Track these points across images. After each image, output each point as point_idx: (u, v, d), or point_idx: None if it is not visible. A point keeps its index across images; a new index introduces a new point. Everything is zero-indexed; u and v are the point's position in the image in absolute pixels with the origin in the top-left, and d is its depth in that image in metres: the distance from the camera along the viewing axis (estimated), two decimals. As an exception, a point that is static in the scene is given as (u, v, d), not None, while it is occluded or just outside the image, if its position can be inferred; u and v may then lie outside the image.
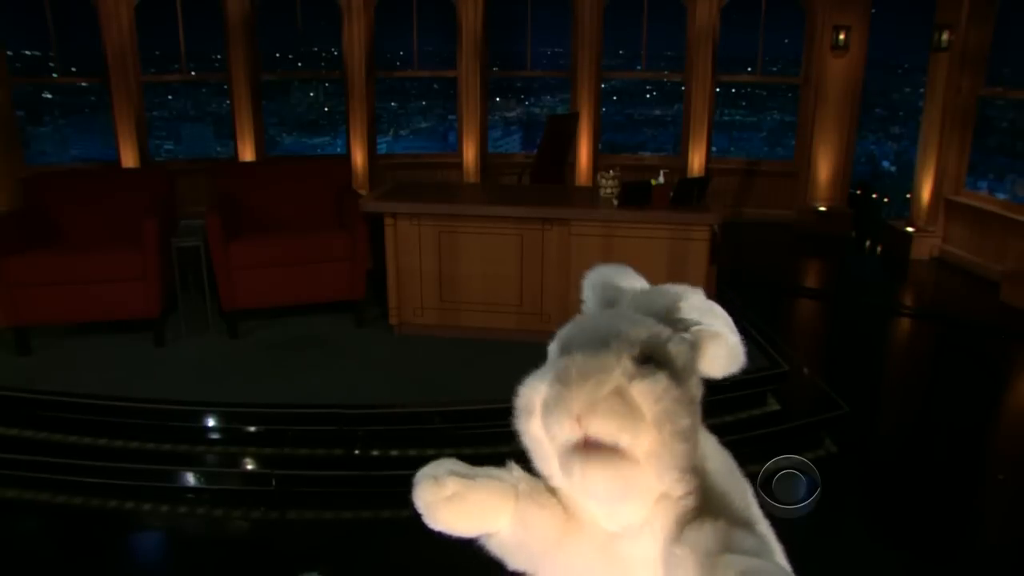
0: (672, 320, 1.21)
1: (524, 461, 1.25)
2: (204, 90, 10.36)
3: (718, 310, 1.31)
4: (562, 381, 1.08)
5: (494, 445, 3.47)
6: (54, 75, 8.55)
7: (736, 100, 11.45)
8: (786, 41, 9.12)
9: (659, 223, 4.65)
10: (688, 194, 4.78)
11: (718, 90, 8.78)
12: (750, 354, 1.29)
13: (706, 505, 1.15)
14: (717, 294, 1.36)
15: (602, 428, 1.06)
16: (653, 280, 1.36)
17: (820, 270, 7.70)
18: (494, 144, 9.72)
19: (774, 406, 4.48)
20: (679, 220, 4.64)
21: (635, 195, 4.71)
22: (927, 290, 7.01)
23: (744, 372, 1.25)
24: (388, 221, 4.86)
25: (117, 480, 3.82)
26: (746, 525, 1.14)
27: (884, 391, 5.16)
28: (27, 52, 8.59)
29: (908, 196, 8.05)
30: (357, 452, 4.04)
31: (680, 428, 1.10)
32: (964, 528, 3.69)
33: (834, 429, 4.29)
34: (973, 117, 7.30)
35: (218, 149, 9.90)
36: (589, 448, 1.08)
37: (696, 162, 8.52)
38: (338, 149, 10.09)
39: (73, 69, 8.74)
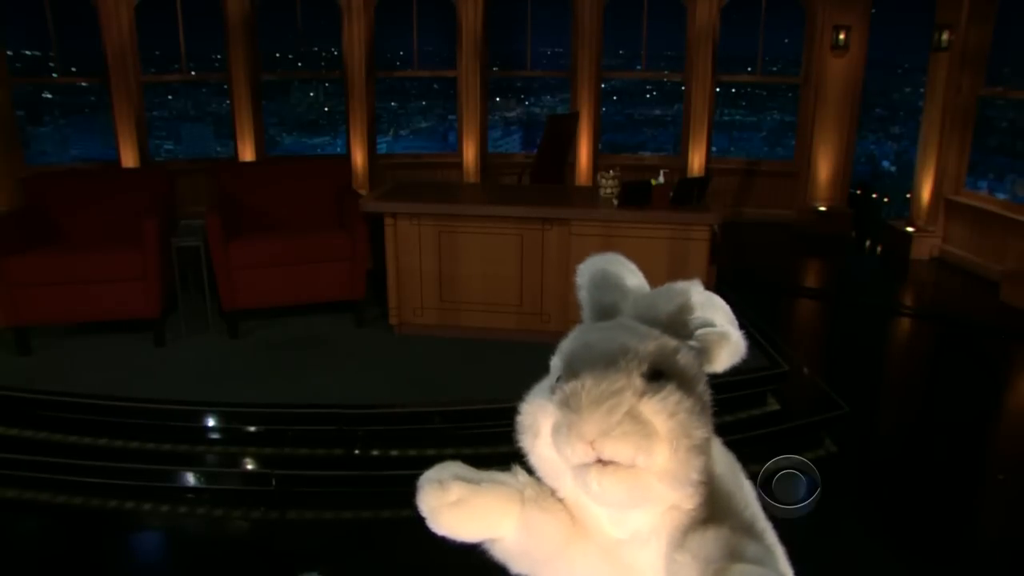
0: (675, 324, 1.19)
1: (527, 463, 1.24)
2: (204, 90, 10.34)
3: (718, 301, 1.30)
4: (573, 408, 1.05)
5: (494, 445, 3.48)
6: (54, 75, 8.55)
7: (736, 100, 11.43)
8: (786, 41, 9.11)
9: (659, 223, 4.66)
10: (688, 194, 4.78)
11: (718, 90, 8.77)
12: (750, 354, 1.28)
13: (711, 508, 1.14)
14: (716, 294, 1.35)
15: (617, 452, 1.04)
16: (653, 281, 1.35)
17: (820, 270, 7.70)
18: (494, 144, 9.70)
19: (774, 406, 4.48)
20: (679, 220, 4.64)
21: (635, 195, 4.71)
22: (927, 290, 7.01)
23: (744, 372, 1.26)
24: (388, 221, 4.87)
25: (117, 480, 3.82)
26: (750, 530, 1.13)
27: (884, 391, 5.16)
28: (27, 52, 8.57)
29: (908, 196, 8.05)
30: (357, 452, 4.04)
31: (695, 441, 1.08)
32: (964, 528, 3.69)
33: (834, 429, 4.29)
34: (973, 117, 7.30)
35: (218, 149, 9.89)
36: (605, 464, 1.06)
37: (696, 162, 8.51)
38: (338, 149, 10.08)
39: (73, 69, 8.73)
